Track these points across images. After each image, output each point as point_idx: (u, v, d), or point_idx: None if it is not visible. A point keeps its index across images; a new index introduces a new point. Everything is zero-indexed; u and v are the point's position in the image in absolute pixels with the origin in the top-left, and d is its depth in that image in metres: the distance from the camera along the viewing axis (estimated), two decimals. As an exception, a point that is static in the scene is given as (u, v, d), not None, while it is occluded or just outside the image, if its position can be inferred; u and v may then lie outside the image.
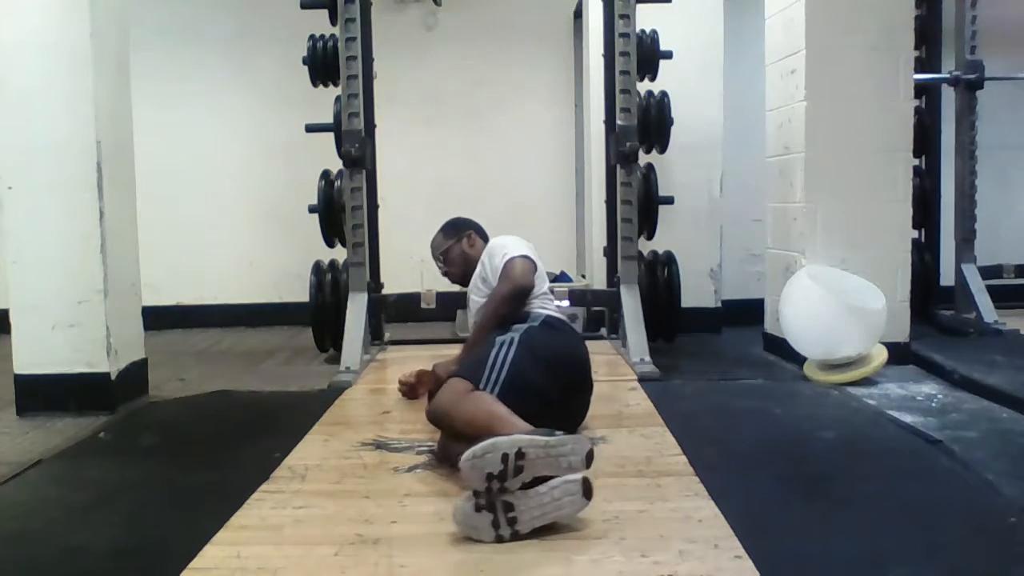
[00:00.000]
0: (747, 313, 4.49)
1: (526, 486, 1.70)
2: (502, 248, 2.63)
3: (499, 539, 1.68)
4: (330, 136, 4.05)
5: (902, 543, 1.71)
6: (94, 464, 2.45)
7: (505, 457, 1.66)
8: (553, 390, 2.26)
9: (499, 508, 1.67)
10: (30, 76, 3.04)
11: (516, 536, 1.68)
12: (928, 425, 2.67)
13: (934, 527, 1.79)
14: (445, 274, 2.92)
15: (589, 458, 1.75)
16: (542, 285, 2.64)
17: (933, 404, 2.98)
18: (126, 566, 1.71)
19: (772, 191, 3.96)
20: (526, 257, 2.58)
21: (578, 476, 1.72)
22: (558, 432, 1.76)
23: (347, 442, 2.46)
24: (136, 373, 3.30)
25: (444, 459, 2.18)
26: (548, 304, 2.62)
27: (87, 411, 3.03)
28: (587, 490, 1.72)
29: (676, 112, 4.18)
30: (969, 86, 4.49)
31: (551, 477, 1.71)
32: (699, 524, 1.77)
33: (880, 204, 3.60)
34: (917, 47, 4.08)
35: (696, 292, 4.51)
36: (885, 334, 3.37)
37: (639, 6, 3.84)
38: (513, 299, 2.51)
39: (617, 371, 3.43)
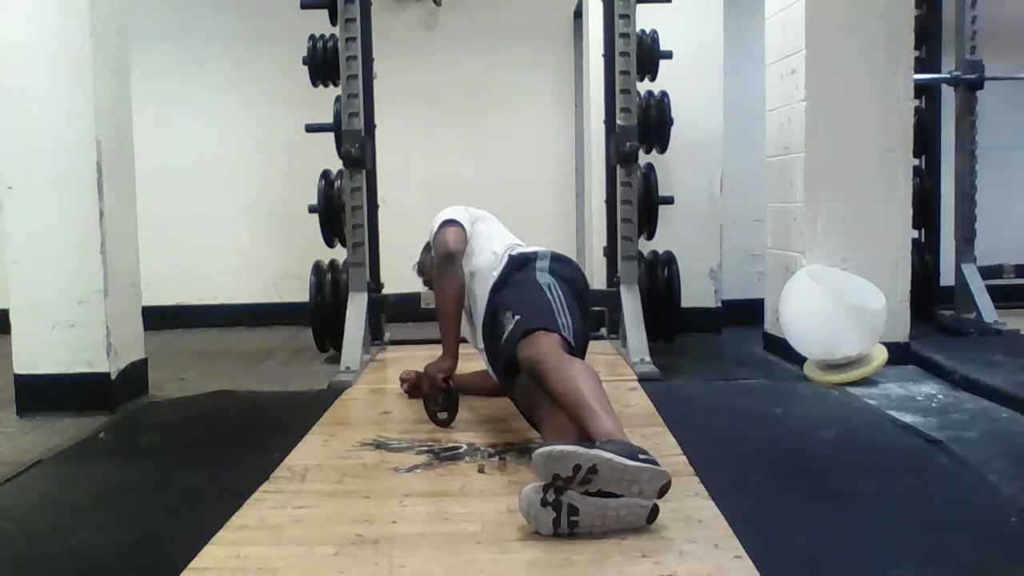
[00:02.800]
0: (747, 313, 4.49)
1: (591, 493, 1.70)
2: (433, 227, 2.71)
3: (557, 535, 1.69)
4: (330, 136, 4.05)
5: (902, 543, 1.71)
6: (94, 464, 2.45)
7: (577, 468, 1.66)
8: (583, 318, 2.41)
9: (564, 508, 1.68)
10: (30, 76, 3.04)
11: (574, 535, 1.69)
12: (928, 425, 2.67)
13: (934, 527, 1.79)
14: (425, 283, 3.07)
15: (663, 491, 1.73)
16: (495, 237, 2.69)
17: (933, 404, 2.98)
18: (126, 566, 1.71)
19: (772, 191, 3.96)
20: (448, 223, 2.65)
21: (649, 502, 1.72)
22: (645, 456, 1.73)
23: (347, 442, 2.46)
24: (136, 373, 3.30)
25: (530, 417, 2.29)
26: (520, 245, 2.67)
27: (87, 411, 3.03)
28: (653, 517, 1.73)
29: (676, 112, 4.18)
30: (969, 86, 4.49)
31: (617, 494, 1.71)
32: (699, 524, 1.77)
33: (880, 204, 3.60)
34: (917, 47, 4.08)
35: (696, 292, 4.51)
36: (885, 334, 3.37)
37: (639, 6, 3.83)
38: (444, 270, 2.58)
39: (617, 371, 3.42)
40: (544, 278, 2.43)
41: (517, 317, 2.29)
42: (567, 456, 1.66)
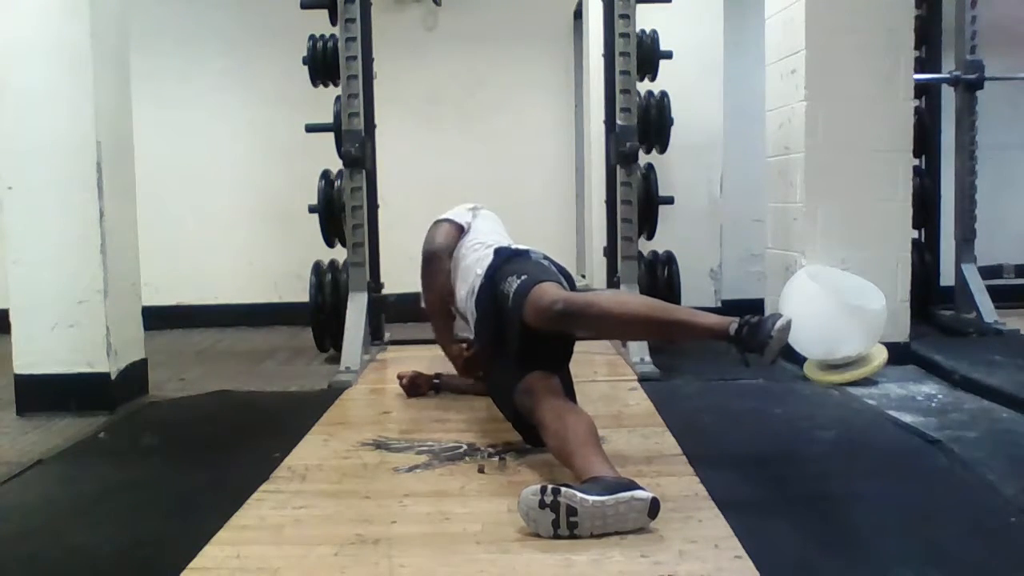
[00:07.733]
0: (747, 313, 4.47)
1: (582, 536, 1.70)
2: None
3: (557, 537, 1.69)
4: (330, 136, 4.05)
5: (902, 543, 1.71)
6: (94, 464, 2.45)
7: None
8: None
9: (562, 510, 1.68)
10: (30, 76, 3.04)
11: (574, 536, 1.68)
12: (928, 425, 2.67)
13: (934, 527, 1.79)
14: None
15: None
16: (489, 233, 2.77)
17: (933, 404, 2.97)
18: (126, 566, 1.71)
19: (772, 191, 3.96)
20: (439, 221, 2.86)
21: (647, 495, 1.71)
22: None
23: (347, 442, 2.46)
24: (136, 373, 3.30)
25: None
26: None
27: (87, 411, 3.03)
28: (654, 510, 1.72)
29: (676, 112, 4.18)
30: (969, 86, 4.48)
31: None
32: (699, 524, 1.77)
33: (880, 204, 3.59)
34: (917, 47, 4.07)
35: (696, 292, 4.50)
36: (885, 334, 3.37)
37: (639, 6, 3.83)
38: (424, 269, 2.83)
39: (617, 371, 3.43)
40: (543, 262, 2.51)
41: (523, 276, 2.32)
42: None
